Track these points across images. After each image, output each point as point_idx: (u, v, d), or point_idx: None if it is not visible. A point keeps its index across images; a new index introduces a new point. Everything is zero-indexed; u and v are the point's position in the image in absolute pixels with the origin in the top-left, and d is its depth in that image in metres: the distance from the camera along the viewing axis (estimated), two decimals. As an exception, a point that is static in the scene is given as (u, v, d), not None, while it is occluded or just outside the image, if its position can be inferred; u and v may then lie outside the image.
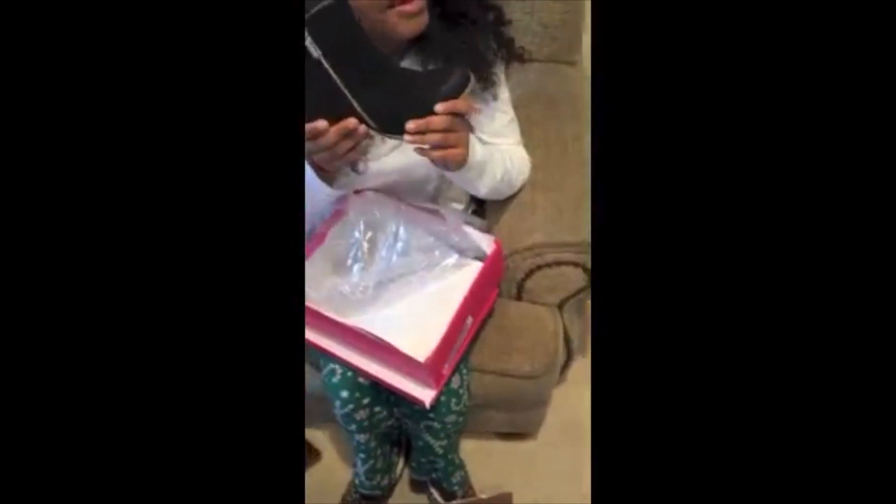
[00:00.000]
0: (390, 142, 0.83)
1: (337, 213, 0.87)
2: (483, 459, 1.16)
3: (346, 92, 0.64)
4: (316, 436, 1.21)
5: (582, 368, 1.18)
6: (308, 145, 0.67)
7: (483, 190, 0.85)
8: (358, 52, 0.64)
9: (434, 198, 0.93)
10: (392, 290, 0.80)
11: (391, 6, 0.70)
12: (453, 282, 0.81)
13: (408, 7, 0.70)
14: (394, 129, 0.67)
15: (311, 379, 0.95)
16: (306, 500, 1.13)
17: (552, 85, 1.09)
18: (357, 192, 0.86)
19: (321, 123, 0.65)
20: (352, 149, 0.67)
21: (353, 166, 0.77)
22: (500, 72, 0.85)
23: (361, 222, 0.82)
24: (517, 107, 0.93)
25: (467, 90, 0.67)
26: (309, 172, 0.75)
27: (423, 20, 0.73)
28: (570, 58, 1.14)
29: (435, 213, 0.83)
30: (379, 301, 0.79)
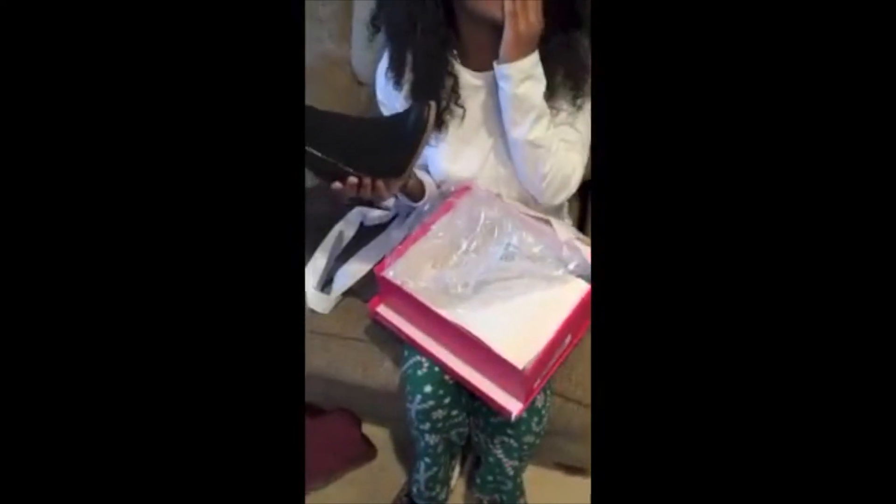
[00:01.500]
0: (481, 147, 0.85)
1: (445, 206, 0.85)
2: (539, 488, 1.10)
3: (340, 166, 0.73)
4: (374, 432, 1.19)
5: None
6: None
7: (543, 169, 0.81)
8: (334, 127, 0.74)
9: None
10: (493, 291, 0.77)
11: None
12: (558, 296, 0.77)
13: None
14: (387, 173, 0.75)
15: (382, 373, 0.94)
16: (355, 498, 1.12)
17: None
18: (466, 189, 0.85)
19: (338, 185, 0.74)
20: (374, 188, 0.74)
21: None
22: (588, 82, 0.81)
23: (471, 219, 0.80)
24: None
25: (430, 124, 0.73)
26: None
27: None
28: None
29: (545, 222, 0.80)
30: (478, 300, 0.76)
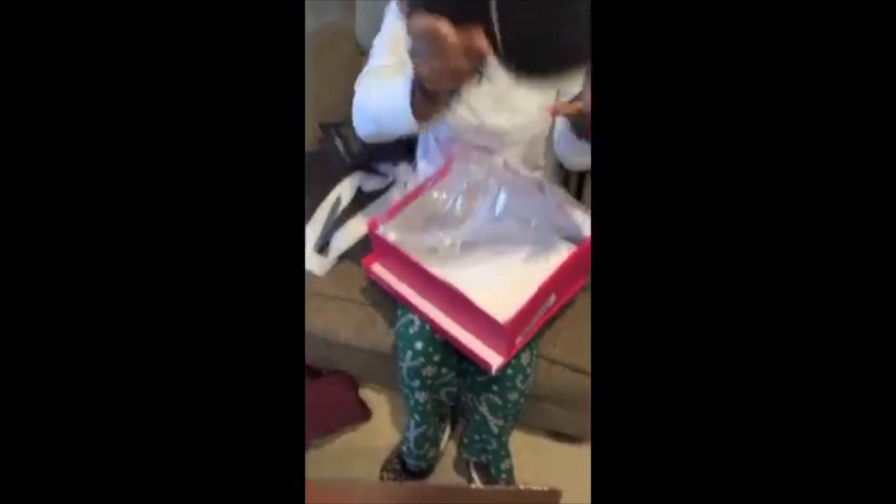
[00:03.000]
0: (504, 96, 0.80)
1: (441, 171, 0.88)
2: (531, 456, 1.13)
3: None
4: (370, 396, 1.23)
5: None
6: (417, 45, 0.55)
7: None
8: None
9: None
10: (481, 251, 0.80)
11: None
12: (545, 256, 0.80)
13: None
14: (524, 65, 0.54)
15: (375, 333, 0.97)
16: (350, 459, 1.16)
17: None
18: (461, 149, 0.87)
19: (445, 26, 0.51)
20: (460, 74, 0.55)
21: (450, 96, 0.64)
22: None
23: (461, 180, 0.83)
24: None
25: None
26: (402, 89, 0.64)
27: None
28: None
29: (539, 184, 0.82)
30: (466, 260, 0.79)
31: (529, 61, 0.55)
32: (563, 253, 0.80)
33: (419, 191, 0.87)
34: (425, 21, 0.51)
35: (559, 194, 0.83)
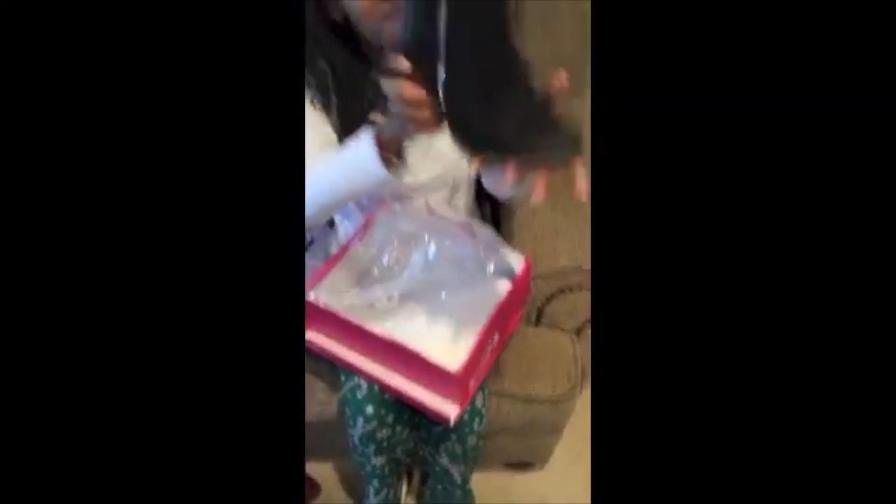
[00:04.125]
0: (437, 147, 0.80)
1: (364, 226, 0.86)
2: (493, 493, 1.12)
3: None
4: (316, 469, 1.16)
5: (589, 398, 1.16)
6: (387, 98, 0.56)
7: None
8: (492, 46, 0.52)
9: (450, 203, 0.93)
10: (419, 301, 0.78)
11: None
12: (482, 297, 0.80)
13: None
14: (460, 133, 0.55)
15: (314, 404, 0.91)
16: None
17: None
18: (382, 204, 0.86)
19: (405, 63, 0.52)
20: (416, 121, 0.55)
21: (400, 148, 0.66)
22: None
23: (389, 232, 0.81)
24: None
25: None
26: (365, 144, 0.66)
27: None
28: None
29: (465, 226, 0.82)
30: (405, 312, 0.77)
31: (463, 131, 0.55)
32: (499, 291, 0.80)
33: (343, 250, 0.84)
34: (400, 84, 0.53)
35: (486, 233, 0.83)
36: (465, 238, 0.80)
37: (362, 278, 0.81)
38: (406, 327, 0.75)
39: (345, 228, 0.96)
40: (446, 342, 0.73)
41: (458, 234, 0.80)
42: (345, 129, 0.78)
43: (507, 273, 0.82)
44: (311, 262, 0.96)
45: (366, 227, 0.85)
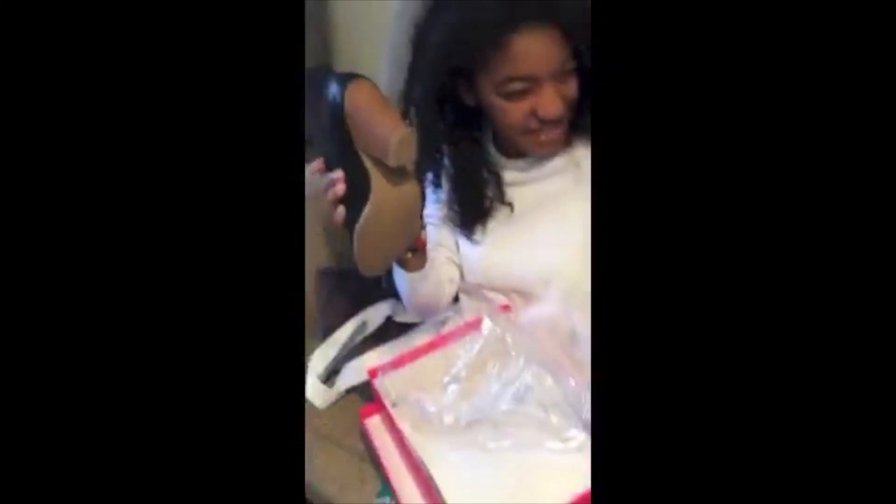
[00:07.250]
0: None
1: (473, 321, 0.74)
2: None
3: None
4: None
5: None
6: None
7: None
8: None
9: None
10: (489, 437, 0.63)
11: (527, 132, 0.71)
12: (568, 461, 0.61)
13: (543, 137, 0.72)
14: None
15: (365, 496, 0.80)
16: None
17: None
18: (506, 307, 0.74)
19: (318, 165, 0.64)
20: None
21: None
22: None
23: (487, 341, 0.68)
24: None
25: None
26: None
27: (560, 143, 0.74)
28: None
29: (569, 367, 0.65)
30: (468, 443, 0.62)
31: None
32: (571, 483, 0.59)
33: (439, 342, 0.73)
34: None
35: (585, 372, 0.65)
36: (565, 379, 0.62)
37: (440, 383, 0.68)
38: (453, 460, 0.60)
39: (468, 308, 0.86)
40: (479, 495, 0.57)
41: (560, 373, 0.63)
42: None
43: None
44: (417, 338, 0.87)
45: (475, 325, 0.73)
